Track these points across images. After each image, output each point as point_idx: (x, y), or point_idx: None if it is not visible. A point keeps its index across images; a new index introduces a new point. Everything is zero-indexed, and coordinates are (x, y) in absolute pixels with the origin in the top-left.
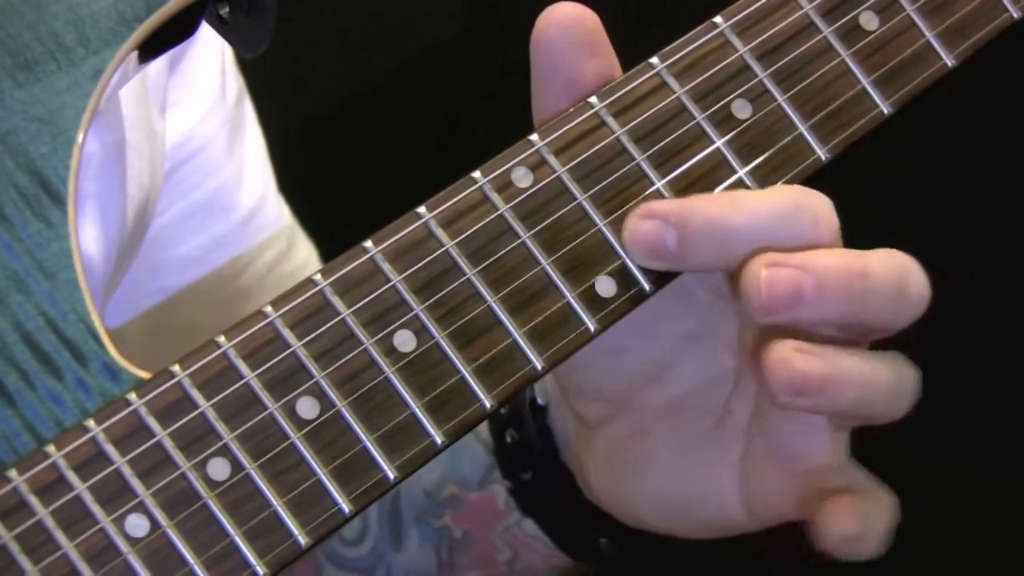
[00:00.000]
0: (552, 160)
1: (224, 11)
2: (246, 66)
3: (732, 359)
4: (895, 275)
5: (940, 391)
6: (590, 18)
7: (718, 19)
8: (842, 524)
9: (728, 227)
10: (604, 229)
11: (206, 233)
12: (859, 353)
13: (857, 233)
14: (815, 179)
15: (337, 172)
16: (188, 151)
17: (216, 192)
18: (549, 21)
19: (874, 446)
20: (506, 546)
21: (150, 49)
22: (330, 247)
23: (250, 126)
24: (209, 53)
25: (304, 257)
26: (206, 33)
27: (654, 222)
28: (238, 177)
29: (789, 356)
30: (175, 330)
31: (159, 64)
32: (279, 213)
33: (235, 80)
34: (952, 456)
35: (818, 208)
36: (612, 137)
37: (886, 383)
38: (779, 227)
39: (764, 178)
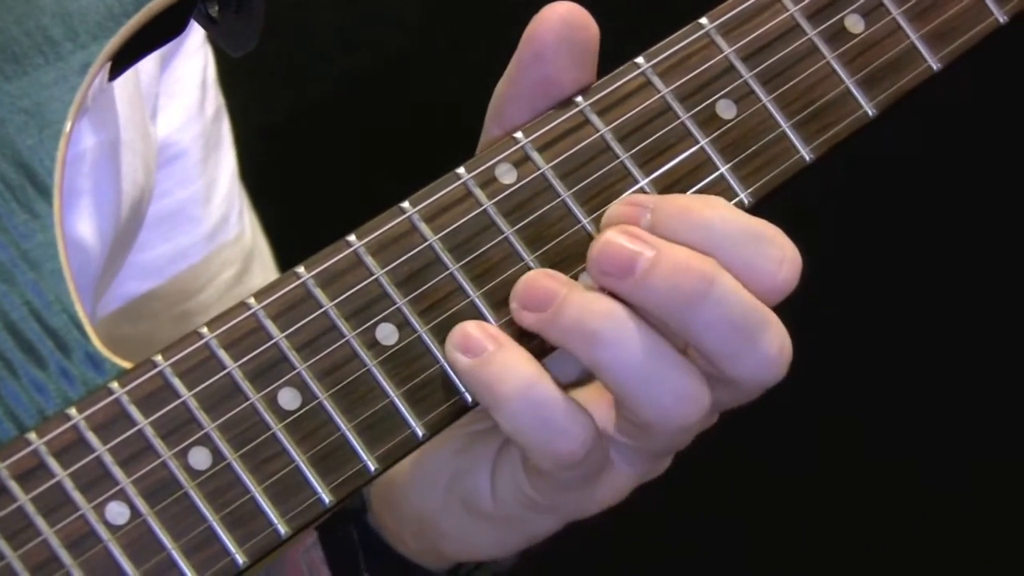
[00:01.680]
0: (536, 157)
1: (213, 10)
2: (231, 61)
3: None
4: (748, 312)
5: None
6: (592, 29)
7: (704, 20)
8: (460, 332)
9: (701, 219)
10: (587, 226)
11: (170, 243)
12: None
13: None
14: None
15: (321, 168)
16: (163, 158)
17: (185, 203)
18: (556, 13)
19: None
20: (306, 568)
21: (138, 46)
22: (314, 242)
23: (225, 146)
24: (192, 65)
25: (259, 283)
26: (190, 46)
27: (632, 206)
28: (207, 192)
29: (536, 274)
30: (134, 341)
31: (151, 70)
32: (239, 234)
33: (215, 98)
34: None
35: (788, 252)
36: (596, 135)
37: (633, 363)
38: (745, 243)
39: (748, 178)
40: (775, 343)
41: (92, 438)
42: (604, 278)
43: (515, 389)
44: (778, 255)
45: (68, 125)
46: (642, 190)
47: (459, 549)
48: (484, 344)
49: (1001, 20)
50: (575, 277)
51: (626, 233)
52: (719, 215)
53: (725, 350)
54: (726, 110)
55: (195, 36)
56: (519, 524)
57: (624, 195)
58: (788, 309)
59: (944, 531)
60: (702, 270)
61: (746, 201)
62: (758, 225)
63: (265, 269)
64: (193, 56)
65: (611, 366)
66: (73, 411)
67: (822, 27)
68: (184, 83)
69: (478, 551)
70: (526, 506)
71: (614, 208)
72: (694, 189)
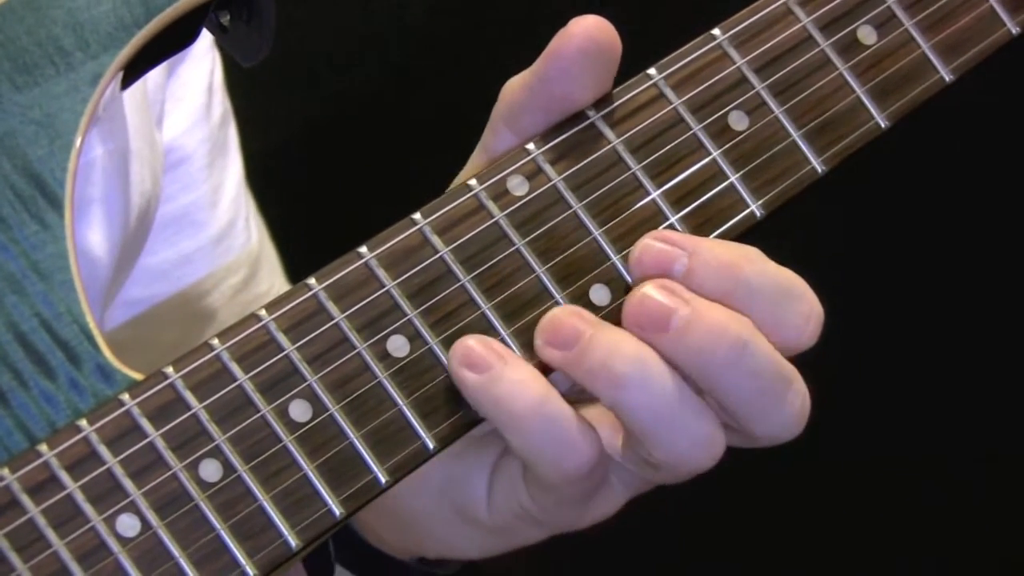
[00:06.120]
0: (548, 169)
1: (225, 19)
2: (238, 67)
3: None
4: (776, 374)
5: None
6: (617, 46)
7: (716, 31)
8: (462, 346)
9: (741, 275)
10: (599, 238)
11: (175, 248)
12: (653, 360)
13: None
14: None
15: (330, 179)
16: (168, 162)
17: (190, 207)
18: (584, 29)
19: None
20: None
21: (149, 56)
22: (323, 254)
23: (232, 151)
24: (198, 70)
25: (266, 288)
26: (197, 50)
27: (668, 246)
28: (213, 197)
29: (562, 311)
30: (138, 346)
31: (157, 78)
32: (247, 240)
33: (221, 103)
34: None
35: (815, 308)
36: (609, 147)
37: (655, 402)
38: (778, 301)
39: (759, 189)
40: (796, 402)
41: (103, 450)
42: (638, 331)
43: (527, 407)
44: (806, 311)
45: (79, 140)
46: (654, 201)
47: (442, 550)
48: (490, 360)
49: (1013, 32)
50: (587, 289)
51: (664, 289)
52: (756, 270)
53: (749, 409)
54: (738, 121)
55: (202, 40)
56: (509, 534)
57: (636, 211)
58: None
59: (947, 531)
60: (738, 335)
61: (757, 213)
62: (789, 280)
63: (273, 275)
64: (200, 60)
65: (632, 409)
66: (84, 423)
67: (835, 38)
68: (190, 87)
69: (462, 554)
70: (521, 518)
71: (648, 244)
72: (705, 198)
